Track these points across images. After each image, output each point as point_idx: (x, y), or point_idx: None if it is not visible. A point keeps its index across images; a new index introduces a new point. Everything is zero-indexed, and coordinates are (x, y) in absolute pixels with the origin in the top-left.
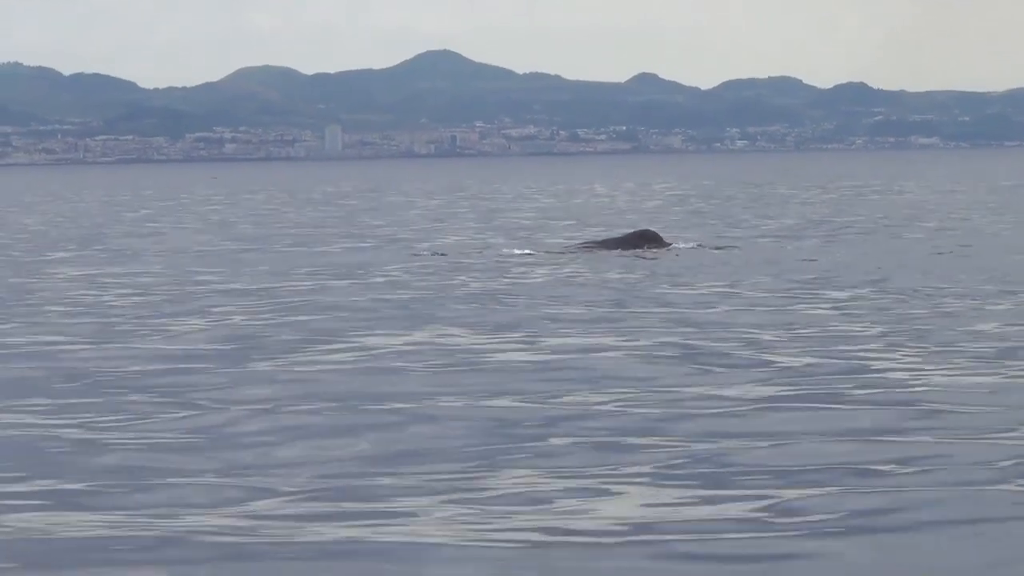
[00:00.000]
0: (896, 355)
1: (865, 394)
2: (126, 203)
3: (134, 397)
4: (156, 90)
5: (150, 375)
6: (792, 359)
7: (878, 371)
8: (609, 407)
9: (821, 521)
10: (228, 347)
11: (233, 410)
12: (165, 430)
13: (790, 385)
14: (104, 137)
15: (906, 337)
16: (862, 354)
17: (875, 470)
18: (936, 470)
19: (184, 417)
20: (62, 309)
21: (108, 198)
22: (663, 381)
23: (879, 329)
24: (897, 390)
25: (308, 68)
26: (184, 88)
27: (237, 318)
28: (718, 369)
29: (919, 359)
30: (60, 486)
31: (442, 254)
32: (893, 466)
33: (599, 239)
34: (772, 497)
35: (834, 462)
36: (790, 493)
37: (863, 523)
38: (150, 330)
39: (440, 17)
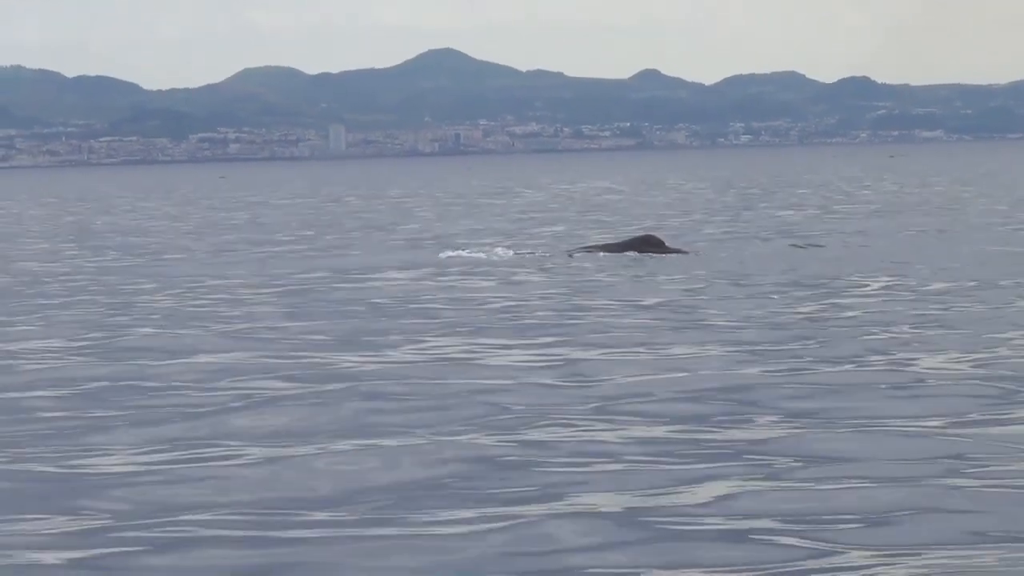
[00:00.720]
0: (940, 356)
1: (911, 395)
2: (136, 205)
3: (174, 410)
4: (159, 91)
5: (181, 386)
6: (829, 368)
7: (923, 370)
8: (647, 415)
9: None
10: (271, 355)
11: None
12: (220, 455)
13: (833, 392)
14: (108, 139)
15: (942, 331)
16: (898, 353)
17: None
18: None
19: (234, 431)
20: (85, 313)
21: (118, 199)
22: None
23: (907, 326)
24: (952, 389)
25: (311, 68)
26: (187, 89)
27: (278, 323)
28: (749, 369)
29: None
30: (102, 519)
31: (457, 256)
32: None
33: (601, 243)
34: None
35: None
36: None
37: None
38: (178, 338)
39: (442, 16)
